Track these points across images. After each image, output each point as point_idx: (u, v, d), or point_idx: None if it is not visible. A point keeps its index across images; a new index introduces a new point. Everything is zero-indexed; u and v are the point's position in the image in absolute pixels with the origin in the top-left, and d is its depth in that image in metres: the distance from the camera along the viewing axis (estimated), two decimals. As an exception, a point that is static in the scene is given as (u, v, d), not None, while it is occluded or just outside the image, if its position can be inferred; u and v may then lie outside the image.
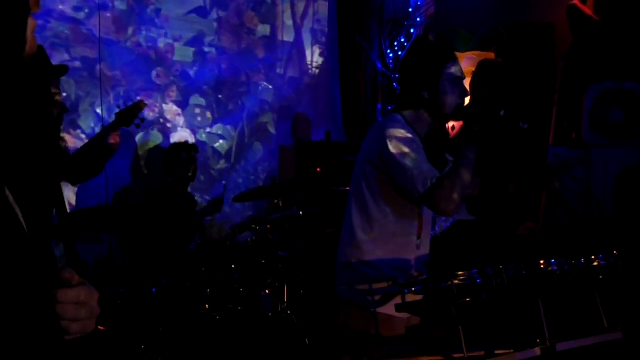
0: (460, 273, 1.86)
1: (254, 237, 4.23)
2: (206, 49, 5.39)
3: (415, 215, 2.45)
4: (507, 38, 5.48)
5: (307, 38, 5.83)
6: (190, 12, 5.30)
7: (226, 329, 3.87)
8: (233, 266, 3.80)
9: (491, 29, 5.51)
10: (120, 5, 4.90)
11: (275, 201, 4.29)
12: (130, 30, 4.94)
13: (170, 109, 5.18)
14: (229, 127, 5.42)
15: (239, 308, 4.06)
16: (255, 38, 5.61)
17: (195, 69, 5.31)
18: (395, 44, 5.49)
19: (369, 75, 5.82)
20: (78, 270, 0.95)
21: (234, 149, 5.48)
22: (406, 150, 2.28)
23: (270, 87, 5.67)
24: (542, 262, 1.95)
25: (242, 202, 4.66)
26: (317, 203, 4.64)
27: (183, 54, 5.25)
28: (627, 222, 3.96)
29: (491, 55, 5.55)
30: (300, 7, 5.80)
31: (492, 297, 1.89)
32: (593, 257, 2.05)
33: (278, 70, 5.75)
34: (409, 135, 2.33)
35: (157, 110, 5.09)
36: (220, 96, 5.42)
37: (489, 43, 5.52)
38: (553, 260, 1.95)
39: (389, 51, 5.57)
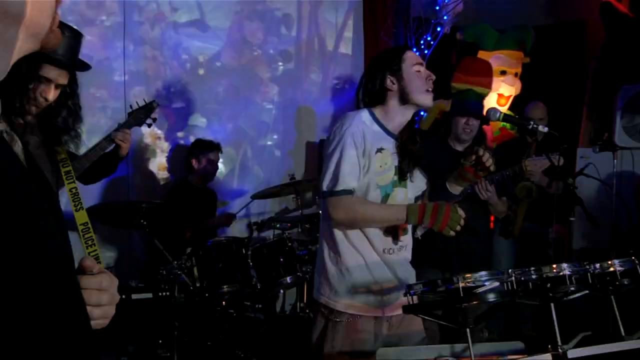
0: (468, 275, 1.82)
1: (272, 235, 4.22)
2: (212, 65, 5.02)
3: None
4: (536, 37, 5.36)
5: (330, 37, 5.74)
6: (190, 24, 4.95)
7: (243, 327, 3.87)
8: (251, 264, 3.79)
9: (520, 27, 5.40)
10: (108, 21, 4.55)
11: (294, 199, 4.26)
12: (121, 47, 4.56)
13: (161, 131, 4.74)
14: (228, 148, 4.91)
15: (257, 306, 4.06)
16: (264, 48, 5.25)
17: (196, 85, 4.93)
18: (422, 42, 5.40)
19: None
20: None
21: (236, 171, 5.12)
22: (338, 145, 2.26)
23: (269, 105, 5.30)
24: (554, 266, 1.88)
25: (261, 199, 4.64)
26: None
27: (183, 69, 4.91)
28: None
29: (520, 54, 5.43)
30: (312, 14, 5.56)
31: (502, 301, 1.84)
32: (609, 262, 1.98)
33: (301, 74, 5.53)
34: (354, 131, 2.27)
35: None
36: (222, 115, 5.06)
37: (518, 42, 5.40)
38: (566, 265, 1.89)
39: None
